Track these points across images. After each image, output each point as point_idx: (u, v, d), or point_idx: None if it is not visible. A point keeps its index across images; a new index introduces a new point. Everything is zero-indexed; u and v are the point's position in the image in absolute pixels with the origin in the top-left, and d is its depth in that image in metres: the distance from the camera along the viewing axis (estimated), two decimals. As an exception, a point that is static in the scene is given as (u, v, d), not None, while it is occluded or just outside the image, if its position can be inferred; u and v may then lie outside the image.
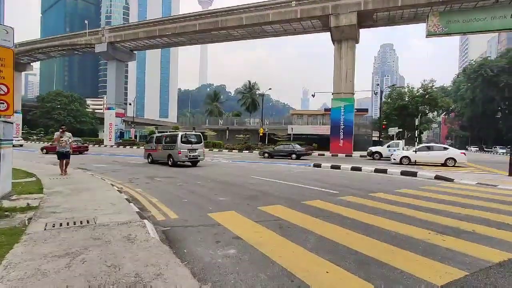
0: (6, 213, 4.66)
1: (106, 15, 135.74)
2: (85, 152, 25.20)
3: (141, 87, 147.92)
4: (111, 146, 43.29)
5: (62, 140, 9.77)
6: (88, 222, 4.26)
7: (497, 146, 53.82)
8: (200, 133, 16.54)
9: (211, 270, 3.00)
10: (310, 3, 30.61)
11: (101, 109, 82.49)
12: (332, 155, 28.24)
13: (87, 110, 76.88)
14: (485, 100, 64.19)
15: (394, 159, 18.61)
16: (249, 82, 63.61)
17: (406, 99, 45.81)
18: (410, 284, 2.80)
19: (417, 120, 19.78)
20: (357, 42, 31.27)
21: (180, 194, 7.51)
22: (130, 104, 57.37)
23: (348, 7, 28.82)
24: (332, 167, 15.09)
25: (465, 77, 70.82)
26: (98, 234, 3.72)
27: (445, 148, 18.25)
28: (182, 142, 14.63)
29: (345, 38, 30.20)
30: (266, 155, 23.98)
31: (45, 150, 24.30)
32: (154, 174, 11.68)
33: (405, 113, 44.66)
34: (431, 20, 26.78)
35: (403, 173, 12.22)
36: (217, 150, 35.34)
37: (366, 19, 30.32)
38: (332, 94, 31.39)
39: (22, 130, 57.08)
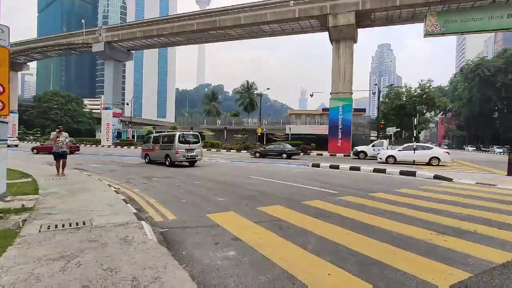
0: (0, 214, 4.57)
1: (103, 15, 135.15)
2: (76, 152, 24.86)
3: (139, 87, 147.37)
4: (109, 146, 43.07)
5: (58, 140, 9.62)
6: (84, 223, 4.17)
7: (494, 146, 54.10)
8: (197, 133, 16.48)
9: (210, 273, 2.93)
10: (308, 3, 30.60)
11: (99, 109, 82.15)
12: (330, 155, 28.24)
13: (84, 110, 76.56)
14: (482, 99, 64.55)
15: (381, 158, 18.99)
16: (247, 82, 63.55)
17: (404, 99, 45.95)
18: (414, 286, 2.74)
19: (415, 120, 19.82)
20: (355, 41, 31.30)
21: (178, 194, 7.43)
22: (127, 104, 57.12)
23: (346, 7, 28.83)
24: (331, 167, 15.06)
25: (462, 77, 71.19)
26: (94, 236, 3.64)
27: (430, 148, 18.52)
28: (180, 142, 14.55)
29: (343, 37, 30.20)
30: (258, 154, 24.19)
31: (35, 150, 24.08)
32: (152, 174, 11.59)
33: (402, 113, 44.77)
34: (429, 20, 26.85)
35: (402, 172, 12.20)
36: (215, 150, 35.24)
37: (364, 19, 30.34)
38: (330, 93, 31.40)
39: (18, 130, 56.72)
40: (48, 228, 3.93)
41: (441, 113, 70.67)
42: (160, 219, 5.09)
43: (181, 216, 5.27)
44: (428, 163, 17.30)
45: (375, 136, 37.54)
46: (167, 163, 14.91)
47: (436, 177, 10.92)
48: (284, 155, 22.81)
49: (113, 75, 45.87)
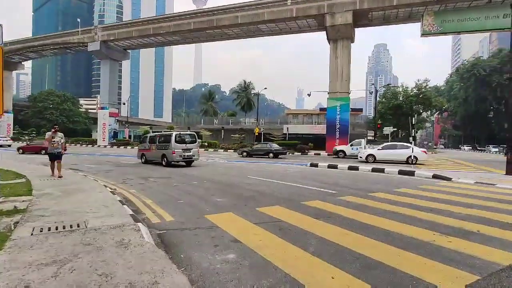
0: (-9, 217, 4.41)
1: (99, 14, 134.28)
2: (64, 153, 24.50)
3: (135, 86, 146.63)
4: (105, 146, 42.74)
5: (54, 141, 9.32)
6: (78, 226, 4.03)
7: (490, 145, 54.47)
8: (194, 133, 16.36)
9: (210, 277, 2.82)
10: (306, 2, 30.54)
11: (95, 109, 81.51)
12: (328, 155, 28.21)
13: (80, 110, 75.90)
14: (477, 99, 64.93)
15: (361, 157, 19.49)
16: (244, 81, 63.37)
17: (401, 99, 45.96)
18: (421, 290, 2.66)
19: (413, 119, 19.91)
20: (352, 41, 31.30)
21: (175, 195, 7.31)
22: (124, 103, 56.70)
23: (344, 6, 28.80)
24: (329, 166, 15.00)
25: (458, 76, 71.55)
26: (89, 239, 3.50)
27: (408, 147, 18.79)
28: (176, 141, 14.43)
29: (340, 37, 30.18)
30: (245, 154, 24.43)
31: (21, 150, 23.82)
32: (148, 174, 11.44)
33: (399, 113, 44.82)
34: (426, 19, 26.90)
35: (400, 172, 12.18)
36: (213, 150, 35.09)
37: (362, 18, 30.35)
38: (328, 93, 31.36)
39: (13, 130, 56.10)
40: (41, 231, 3.78)
41: (437, 112, 71.01)
42: (158, 220, 4.97)
43: (179, 217, 5.15)
44: (406, 162, 17.73)
45: (372, 136, 37.66)
46: (163, 163, 14.78)
47: (435, 176, 10.90)
48: (271, 155, 23.32)
49: (109, 74, 45.50)
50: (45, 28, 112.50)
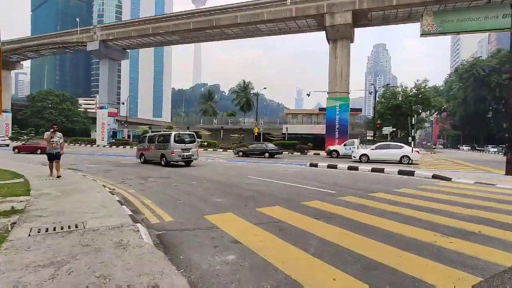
0: (-12, 217, 4.37)
1: (98, 14, 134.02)
2: (62, 152, 24.27)
3: (134, 86, 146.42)
4: (104, 146, 42.65)
5: (52, 141, 9.23)
6: (76, 226, 3.98)
7: (488, 145, 54.56)
8: (193, 133, 16.32)
9: (209, 279, 2.78)
10: (305, 2, 30.55)
11: (94, 109, 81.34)
12: (327, 155, 28.15)
13: (79, 109, 75.72)
14: (476, 99, 65.03)
15: (354, 157, 19.70)
16: (244, 81, 63.36)
17: (400, 99, 46.01)
18: (423, 292, 2.63)
19: (413, 119, 19.94)
20: (352, 41, 31.31)
21: (174, 195, 7.27)
22: (123, 103, 56.60)
23: (343, 6, 28.81)
24: (329, 166, 14.98)
25: (457, 76, 71.66)
26: (87, 240, 3.46)
27: (401, 147, 18.98)
28: (175, 141, 14.39)
29: (340, 37, 30.18)
30: (241, 153, 24.60)
31: (16, 150, 23.83)
32: (148, 174, 11.39)
33: (398, 113, 44.86)
34: (425, 19, 26.92)
35: (400, 172, 12.16)
36: (212, 149, 35.04)
37: (361, 18, 30.36)
38: (327, 93, 31.37)
39: (12, 130, 55.93)
40: (39, 232, 3.74)
41: (436, 112, 71.12)
42: (157, 221, 4.93)
43: (178, 217, 5.11)
44: (399, 162, 17.90)
45: (371, 136, 37.66)
46: (162, 163, 14.73)
47: (434, 176, 10.89)
48: (267, 154, 23.44)
49: (108, 74, 45.42)
50: (44, 28, 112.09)
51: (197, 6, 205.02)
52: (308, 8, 30.48)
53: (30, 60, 66.17)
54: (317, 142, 34.24)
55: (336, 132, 30.31)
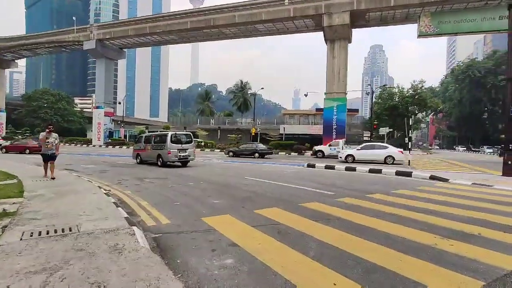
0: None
1: (95, 12, 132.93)
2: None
3: (131, 85, 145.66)
4: (100, 146, 42.35)
5: (48, 142, 8.99)
6: (70, 230, 3.88)
7: (484, 146, 54.95)
8: (190, 133, 16.24)
9: (207, 284, 2.71)
10: (303, 2, 30.56)
11: (90, 108, 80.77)
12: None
13: (75, 109, 75.08)
14: (472, 100, 65.54)
15: (340, 157, 20.02)
16: (241, 81, 63.34)
17: (396, 100, 46.24)
18: (425, 297, 2.58)
19: (410, 120, 20.04)
20: (349, 41, 31.37)
21: (171, 196, 7.18)
22: (119, 103, 56.27)
23: (341, 7, 28.85)
24: (326, 167, 14.95)
25: (453, 78, 72.16)
26: (81, 244, 3.36)
27: (385, 147, 19.32)
28: (172, 141, 14.30)
29: (338, 37, 30.22)
30: (231, 153, 24.93)
31: (4, 150, 23.63)
32: (144, 175, 11.29)
33: (395, 113, 45.07)
34: (422, 20, 27.04)
35: (397, 173, 12.16)
36: (209, 150, 34.94)
37: (359, 19, 30.43)
38: (325, 93, 31.41)
39: (6, 129, 55.33)
40: (31, 236, 3.63)
41: (432, 113, 71.57)
42: (153, 223, 4.84)
43: (175, 220, 5.03)
44: (384, 162, 18.20)
45: (368, 136, 37.77)
46: (159, 163, 14.63)
47: (432, 177, 10.89)
48: (256, 154, 23.65)
49: (104, 73, 45.13)
50: (39, 27, 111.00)
51: (194, 5, 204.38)
52: (306, 9, 30.49)
53: (25, 59, 65.48)
54: (315, 142, 34.15)
55: (334, 133, 30.33)
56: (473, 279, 2.88)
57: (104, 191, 7.20)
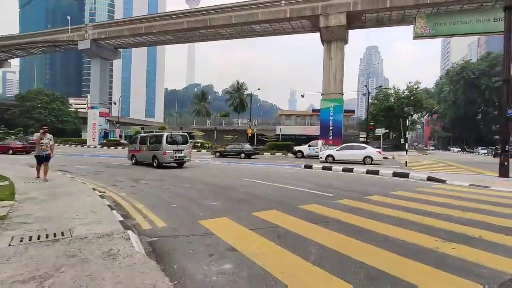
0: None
1: (90, 12, 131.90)
2: (32, 152, 23.81)
3: (127, 86, 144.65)
4: (95, 146, 41.92)
5: (42, 143, 8.73)
6: (63, 234, 3.75)
7: (478, 147, 55.47)
8: (186, 134, 16.09)
9: (205, 292, 2.61)
10: (300, 3, 30.56)
11: (85, 109, 79.98)
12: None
13: (70, 109, 74.28)
14: (466, 102, 66.13)
15: (321, 157, 20.35)
16: (237, 82, 63.25)
17: (392, 101, 46.44)
18: (430, 304, 2.50)
19: (407, 121, 20.13)
20: (346, 42, 31.45)
21: (167, 198, 7.06)
22: (115, 103, 55.80)
23: (338, 8, 28.91)
24: (324, 168, 14.91)
25: (447, 79, 72.75)
26: (74, 250, 3.23)
27: (364, 147, 19.81)
28: (168, 142, 14.16)
29: (334, 38, 30.28)
30: (218, 154, 25.44)
31: None
32: (139, 176, 11.12)
33: (391, 114, 45.24)
34: (418, 22, 27.18)
35: (395, 174, 12.14)
36: (205, 150, 34.74)
37: (355, 20, 30.51)
38: (322, 94, 31.43)
39: (-1, 129, 54.52)
40: (21, 241, 3.49)
41: (427, 114, 72.09)
42: (149, 226, 4.72)
43: (171, 223, 4.91)
44: (363, 162, 18.65)
45: (364, 137, 37.92)
46: (154, 164, 14.47)
47: (429, 178, 10.88)
48: (243, 155, 23.98)
49: (99, 73, 44.72)
50: (33, 26, 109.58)
51: (190, 6, 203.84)
52: (302, 9, 30.50)
53: (18, 58, 64.68)
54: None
55: (330, 133, 30.36)
56: (478, 284, 2.82)
57: (99, 193, 7.05)
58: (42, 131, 8.86)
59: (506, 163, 11.49)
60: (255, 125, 46.42)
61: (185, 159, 14.74)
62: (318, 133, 32.33)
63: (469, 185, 9.57)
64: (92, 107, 45.72)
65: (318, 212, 5.68)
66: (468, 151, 59.24)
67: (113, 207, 5.69)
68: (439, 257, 3.50)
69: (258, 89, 52.45)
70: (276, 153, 30.07)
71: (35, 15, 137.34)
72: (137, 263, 2.93)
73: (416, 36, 27.62)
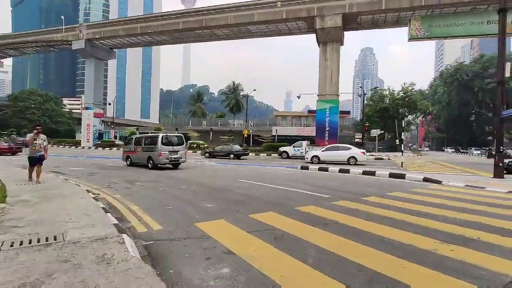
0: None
1: (84, 12, 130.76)
2: (19, 153, 23.46)
3: (122, 86, 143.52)
4: (89, 147, 41.49)
5: (35, 144, 8.44)
6: (55, 238, 3.64)
7: (472, 148, 56.10)
8: (182, 135, 15.95)
9: (202, 297, 2.54)
10: (296, 5, 30.61)
11: (79, 109, 79.21)
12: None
13: (64, 110, 73.51)
14: (460, 103, 66.85)
15: (307, 158, 20.61)
16: (233, 83, 63.17)
17: (387, 102, 46.76)
18: (432, 308, 2.46)
19: (403, 123, 20.26)
20: (342, 44, 31.57)
21: (163, 200, 6.97)
22: (109, 104, 55.33)
23: (333, 9, 29.03)
24: (320, 169, 14.90)
25: (441, 81, 73.49)
26: (66, 255, 3.14)
27: (349, 148, 20.14)
28: (163, 143, 14.06)
29: (330, 40, 30.38)
30: (207, 155, 25.79)
31: None
32: (135, 178, 10.99)
33: (386, 115, 45.54)
34: (413, 24, 27.40)
35: (391, 175, 12.17)
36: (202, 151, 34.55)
37: (351, 22, 30.65)
38: (318, 95, 31.50)
39: (-9, 130, 53.74)
40: (11, 246, 3.38)
41: (422, 116, 72.78)
42: (144, 229, 4.63)
43: (167, 225, 4.82)
44: (347, 162, 19.02)
45: (359, 138, 38.08)
46: (149, 165, 14.34)
47: (425, 179, 10.93)
48: (232, 156, 24.14)
49: (94, 73, 44.30)
50: (26, 26, 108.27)
51: (186, 6, 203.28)
52: (298, 11, 30.56)
53: (11, 58, 63.84)
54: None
55: (326, 134, 30.42)
56: (479, 287, 2.79)
57: (93, 195, 6.92)
58: (35, 131, 8.59)
59: (500, 164, 11.59)
60: (251, 126, 46.37)
61: (180, 160, 14.64)
62: (314, 134, 32.39)
63: (465, 185, 9.62)
64: (87, 108, 45.25)
65: (316, 214, 5.64)
66: (462, 152, 59.86)
67: (107, 209, 5.59)
68: (438, 259, 3.47)
69: (254, 90, 52.26)
70: (272, 154, 30.03)
71: (28, 15, 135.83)
72: (132, 268, 2.85)
73: (411, 38, 27.83)
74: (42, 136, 8.74)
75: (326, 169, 14.67)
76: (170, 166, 14.83)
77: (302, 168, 15.67)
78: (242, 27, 35.07)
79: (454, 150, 64.95)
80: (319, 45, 31.46)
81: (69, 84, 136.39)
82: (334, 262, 3.36)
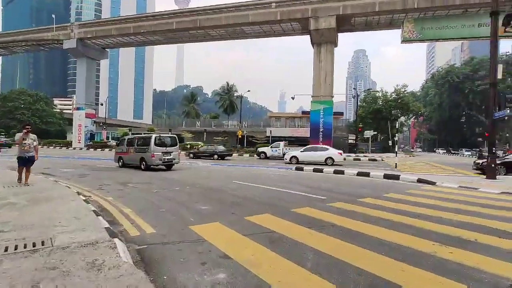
0: None
1: (76, 11, 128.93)
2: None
3: (114, 86, 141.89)
4: (81, 148, 40.84)
5: (25, 143, 8.13)
6: (43, 244, 3.49)
7: (463, 149, 57.00)
8: (175, 135, 15.75)
9: (198, 305, 2.44)
10: (290, 6, 30.63)
11: (70, 110, 78.04)
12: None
13: (55, 110, 72.31)
14: (451, 105, 67.88)
15: (286, 158, 20.75)
16: (227, 83, 62.99)
17: (380, 103, 47.17)
18: (435, 313, 2.40)
19: (397, 124, 20.40)
20: (336, 45, 31.71)
21: (156, 202, 6.82)
22: (101, 104, 54.50)
23: (328, 11, 29.14)
24: (315, 170, 14.88)
25: (433, 83, 74.55)
26: (54, 261, 2.99)
27: (326, 149, 20.46)
28: (156, 144, 13.86)
29: (324, 41, 30.50)
30: (191, 155, 25.90)
31: None
32: (127, 179, 10.79)
33: (379, 117, 45.92)
34: (406, 26, 27.66)
35: (385, 176, 12.19)
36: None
37: (345, 23, 30.80)
38: (312, 96, 31.56)
39: (-21, 131, 52.51)
40: (-4, 252, 3.23)
41: (414, 117, 73.65)
42: (137, 233, 4.49)
43: (160, 228, 4.70)
44: (325, 163, 19.19)
45: (353, 139, 38.31)
46: (142, 167, 14.13)
47: (419, 180, 10.97)
48: (216, 156, 24.16)
49: (86, 73, 43.59)
50: (16, 25, 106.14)
51: (180, 6, 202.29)
52: (293, 12, 30.59)
53: (0, 57, 62.57)
54: (301, 145, 34.29)
55: (320, 135, 30.47)
56: (480, 291, 2.75)
57: (84, 198, 6.74)
58: (25, 130, 8.27)
59: (493, 165, 11.71)
60: (245, 127, 46.26)
61: (174, 161, 14.47)
62: (308, 135, 32.43)
63: (458, 187, 9.69)
64: (78, 108, 44.53)
65: (312, 216, 5.57)
66: (453, 153, 60.73)
67: (98, 212, 5.43)
68: (437, 262, 3.43)
69: (248, 91, 52.15)
70: (256, 155, 29.93)
71: (19, 14, 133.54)
72: (124, 275, 2.73)
73: (404, 40, 28.10)
74: (32, 136, 8.41)
75: (321, 170, 14.62)
76: (163, 167, 14.64)
77: (297, 169, 15.63)
78: (237, 28, 34.97)
79: (445, 151, 65.86)
80: (313, 46, 31.55)
81: (60, 84, 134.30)
82: (333, 266, 3.29)
